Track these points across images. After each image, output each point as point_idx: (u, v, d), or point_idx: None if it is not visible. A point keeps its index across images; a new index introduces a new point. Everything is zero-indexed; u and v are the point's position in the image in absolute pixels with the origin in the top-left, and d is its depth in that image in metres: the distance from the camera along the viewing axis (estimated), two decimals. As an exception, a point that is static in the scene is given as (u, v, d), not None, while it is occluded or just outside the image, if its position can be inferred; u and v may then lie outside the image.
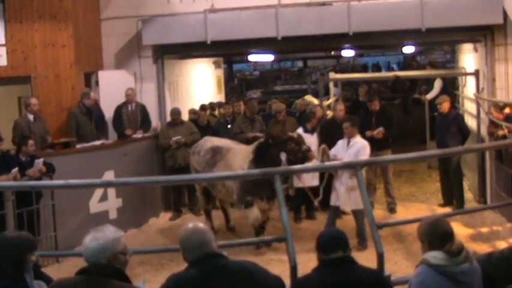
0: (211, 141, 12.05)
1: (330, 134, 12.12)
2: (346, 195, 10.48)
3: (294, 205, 12.50)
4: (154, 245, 11.07)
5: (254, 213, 10.79)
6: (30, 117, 11.92)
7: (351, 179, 10.17)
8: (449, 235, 4.64)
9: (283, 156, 10.28)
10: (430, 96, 17.35)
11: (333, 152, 10.70)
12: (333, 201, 10.72)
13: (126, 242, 4.45)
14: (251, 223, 11.00)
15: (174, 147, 13.09)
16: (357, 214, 10.58)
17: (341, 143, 10.77)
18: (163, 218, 13.44)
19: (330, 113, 14.46)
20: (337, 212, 10.93)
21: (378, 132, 12.54)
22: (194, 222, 4.70)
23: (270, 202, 10.82)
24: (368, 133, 12.23)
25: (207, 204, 12.34)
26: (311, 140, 12.03)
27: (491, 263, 4.80)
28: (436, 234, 4.66)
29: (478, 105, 13.48)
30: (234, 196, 11.05)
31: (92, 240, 4.34)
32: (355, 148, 10.56)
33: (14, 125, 11.95)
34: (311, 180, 11.78)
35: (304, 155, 10.41)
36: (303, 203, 12.56)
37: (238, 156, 11.14)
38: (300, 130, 12.25)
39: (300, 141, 10.69)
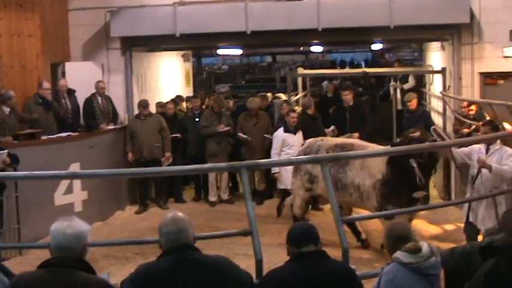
0: (327, 139, 10.93)
1: (306, 128, 12.29)
2: (484, 211, 8.91)
3: (279, 206, 12.40)
4: (120, 238, 11.00)
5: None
6: (6, 110, 11.69)
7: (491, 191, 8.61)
8: (402, 237, 4.76)
9: (413, 163, 8.98)
10: (406, 86, 17.49)
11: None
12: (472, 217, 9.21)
13: None
14: None
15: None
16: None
17: (476, 150, 8.98)
18: (129, 211, 13.37)
19: (297, 108, 14.48)
20: (476, 229, 9.21)
21: (329, 131, 12.76)
22: (175, 211, 4.72)
23: (409, 212, 9.36)
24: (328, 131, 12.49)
25: (305, 213, 11.04)
26: (293, 140, 11.95)
27: (453, 258, 4.87)
28: (391, 237, 4.83)
29: (445, 102, 13.61)
30: (372, 203, 9.77)
31: (68, 227, 4.29)
32: (497, 156, 8.80)
33: None
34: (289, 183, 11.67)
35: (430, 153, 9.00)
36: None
37: (380, 158, 9.64)
38: (280, 131, 12.18)
39: (423, 138, 9.11)
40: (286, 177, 11.84)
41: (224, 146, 13.52)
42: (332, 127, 12.86)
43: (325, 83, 20.90)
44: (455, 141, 8.92)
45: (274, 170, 12.14)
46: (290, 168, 11.55)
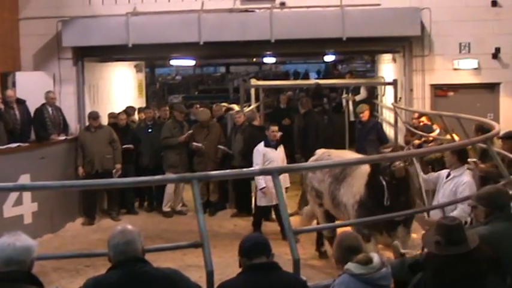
0: (337, 154, 10.23)
1: (253, 139, 12.32)
2: None
3: (256, 222, 11.96)
4: (70, 251, 10.86)
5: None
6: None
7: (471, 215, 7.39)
8: (353, 248, 4.77)
9: (382, 180, 8.41)
10: (358, 98, 17.67)
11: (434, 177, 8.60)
12: None
13: None
14: None
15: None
16: None
17: (442, 176, 8.39)
18: (80, 223, 13.21)
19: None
20: None
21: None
22: (124, 224, 4.70)
23: (392, 235, 8.66)
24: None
25: (332, 231, 9.59)
26: (274, 155, 11.51)
27: (403, 269, 4.92)
28: (342, 248, 4.82)
29: (396, 114, 13.77)
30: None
31: (17, 240, 4.23)
32: (453, 184, 8.08)
33: None
34: (273, 199, 11.23)
35: (391, 170, 8.26)
36: (261, 219, 12.06)
37: (363, 178, 8.93)
38: (260, 145, 11.66)
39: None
40: (272, 192, 11.09)
41: (184, 157, 13.49)
42: (279, 134, 12.67)
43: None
44: (408, 153, 8.94)
45: (261, 185, 11.40)
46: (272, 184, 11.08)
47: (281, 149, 11.80)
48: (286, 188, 11.71)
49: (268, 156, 11.51)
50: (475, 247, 4.36)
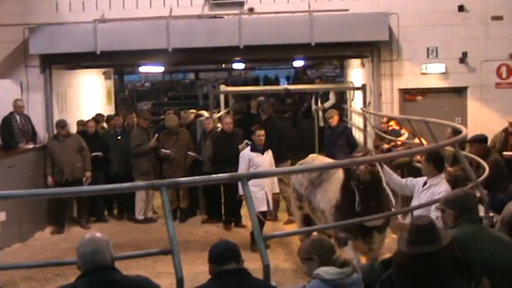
0: (322, 159, 10.35)
1: (223, 145, 12.42)
2: None
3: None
4: (40, 260, 10.75)
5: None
6: None
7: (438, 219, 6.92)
8: (333, 249, 4.85)
9: (353, 185, 8.39)
10: (327, 105, 17.71)
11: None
12: None
13: None
14: None
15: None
16: None
17: (420, 182, 8.04)
18: (49, 232, 13.10)
19: (220, 126, 14.50)
20: None
21: (242, 146, 12.40)
22: (93, 232, 4.66)
23: (367, 242, 8.62)
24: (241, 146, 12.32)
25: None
26: (261, 160, 11.21)
27: (373, 272, 4.96)
28: (324, 248, 4.83)
29: (365, 119, 13.84)
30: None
31: None
32: (429, 193, 7.72)
33: None
34: (259, 205, 10.77)
35: (357, 174, 8.26)
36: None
37: (338, 183, 8.93)
38: (247, 150, 11.47)
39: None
40: (254, 200, 10.87)
41: (154, 164, 13.48)
42: (245, 141, 12.52)
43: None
44: (376, 157, 8.97)
45: (241, 191, 10.66)
46: (257, 190, 10.70)
47: (269, 153, 11.47)
48: (275, 194, 11.64)
49: (254, 161, 11.23)
50: (442, 248, 4.40)
